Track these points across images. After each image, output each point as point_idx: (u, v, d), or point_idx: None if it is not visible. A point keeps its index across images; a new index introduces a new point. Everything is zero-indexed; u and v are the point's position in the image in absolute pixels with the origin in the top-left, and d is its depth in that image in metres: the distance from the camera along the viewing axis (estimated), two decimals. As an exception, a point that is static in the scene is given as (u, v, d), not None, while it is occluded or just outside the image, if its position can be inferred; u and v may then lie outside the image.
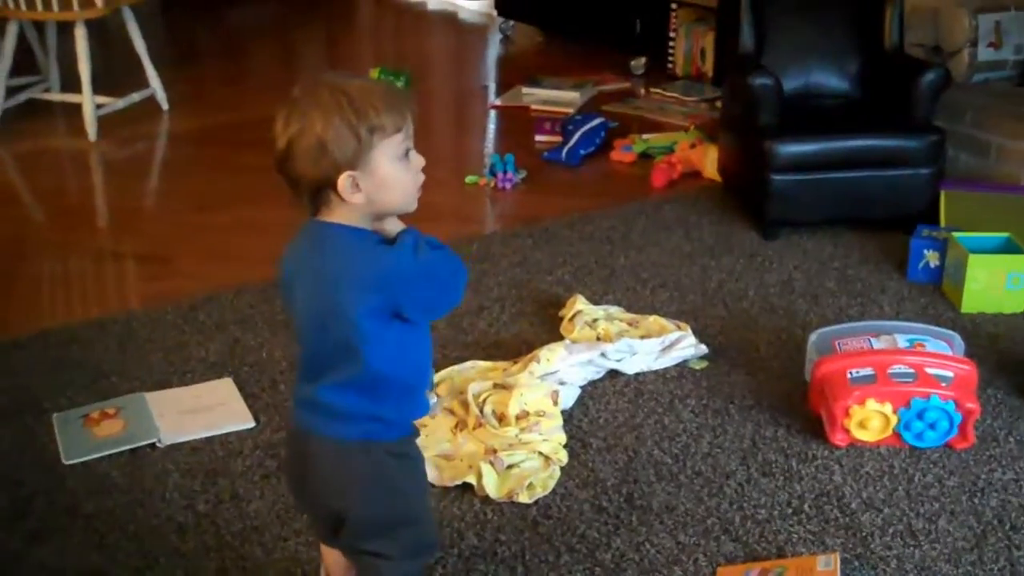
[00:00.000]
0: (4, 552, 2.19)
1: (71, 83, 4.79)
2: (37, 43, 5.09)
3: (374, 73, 5.44)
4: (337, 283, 1.63)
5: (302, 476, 1.78)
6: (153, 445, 2.53)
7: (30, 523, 2.27)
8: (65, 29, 4.77)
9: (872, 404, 2.49)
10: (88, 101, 4.56)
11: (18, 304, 3.24)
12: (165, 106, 4.97)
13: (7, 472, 2.43)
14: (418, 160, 1.67)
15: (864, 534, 2.26)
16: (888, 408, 2.49)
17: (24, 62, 4.96)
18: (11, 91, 4.74)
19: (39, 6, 4.46)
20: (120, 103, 4.74)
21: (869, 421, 2.51)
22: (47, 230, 3.84)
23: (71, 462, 2.46)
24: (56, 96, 4.89)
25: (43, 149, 4.58)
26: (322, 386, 1.69)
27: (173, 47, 6.38)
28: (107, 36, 5.62)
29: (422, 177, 1.69)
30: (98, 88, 4.60)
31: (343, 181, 1.60)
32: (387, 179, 1.63)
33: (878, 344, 2.67)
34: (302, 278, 1.68)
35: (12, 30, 4.57)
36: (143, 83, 4.90)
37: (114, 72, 5.12)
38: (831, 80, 3.93)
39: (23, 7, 4.48)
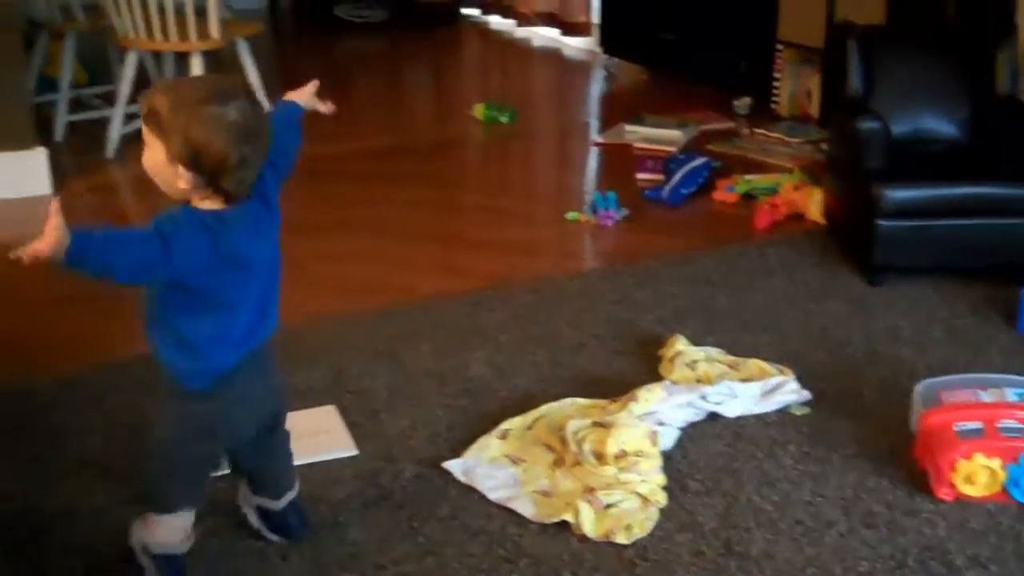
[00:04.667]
0: (114, 570, 2.24)
1: (186, 111, 4.91)
2: (155, 72, 5.26)
3: (479, 108, 5.52)
4: None
5: None
6: (257, 469, 2.57)
7: (138, 541, 2.33)
8: (182, 59, 4.92)
9: (979, 458, 2.44)
10: (202, 129, 4.67)
11: (124, 326, 3.30)
12: (274, 135, 5.08)
13: (117, 491, 2.49)
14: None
15: (969, 592, 2.21)
16: (996, 463, 2.44)
17: (142, 89, 5.10)
18: (130, 117, 4.89)
19: (158, 36, 4.61)
20: (232, 132, 4.86)
21: (976, 476, 2.46)
22: (159, 254, 3.94)
23: (178, 482, 2.52)
24: (171, 123, 5.02)
25: (157, 175, 4.71)
26: None
27: (284, 78, 6.53)
28: (221, 66, 5.77)
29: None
30: (211, 117, 4.72)
31: None
32: None
33: (986, 397, 2.61)
34: None
35: (132, 59, 4.73)
36: (255, 113, 5.01)
37: (227, 101, 5.24)
38: (940, 125, 3.88)
39: (143, 37, 4.63)
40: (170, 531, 2.15)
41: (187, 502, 2.15)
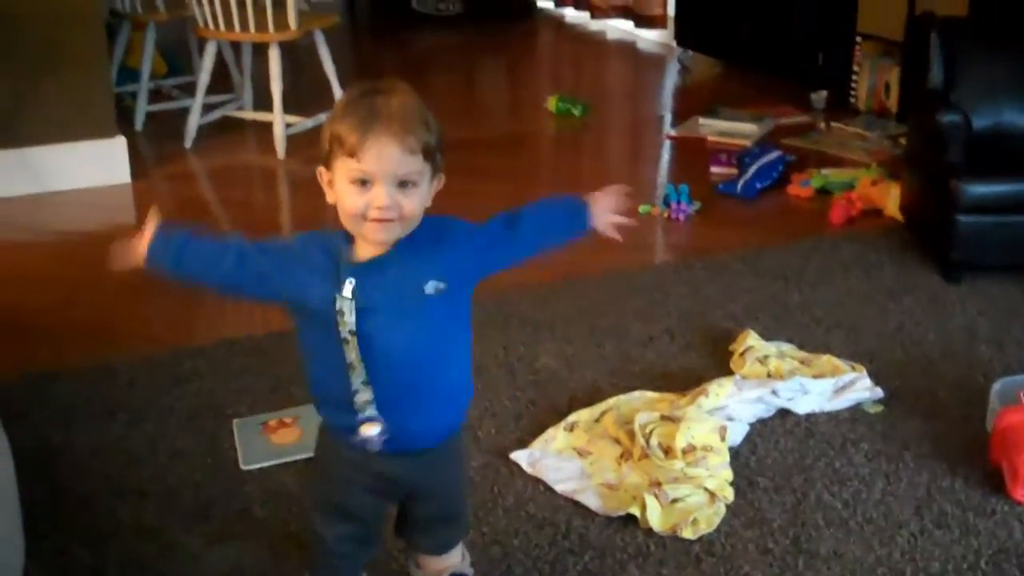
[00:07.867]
0: (185, 552, 2.28)
1: (263, 102, 4.99)
2: (233, 63, 5.33)
3: (552, 101, 5.51)
4: None
5: None
6: (326, 456, 2.59)
7: (209, 525, 2.36)
8: (259, 50, 4.98)
9: (1058, 460, 2.39)
10: (279, 120, 4.74)
11: (205, 313, 3.39)
12: (349, 127, 5.11)
13: (190, 473, 2.54)
14: (375, 197, 1.64)
15: (1045, 596, 2.16)
16: (1076, 465, 2.38)
17: (220, 81, 5.19)
18: (207, 108, 4.97)
19: (237, 27, 4.68)
20: (308, 123, 4.90)
21: (1054, 478, 2.40)
22: (235, 242, 4.00)
23: (248, 467, 2.56)
24: (248, 114, 5.10)
25: (235, 164, 4.79)
26: None
27: (359, 70, 6.59)
28: (298, 57, 5.83)
29: (375, 214, 1.64)
30: (288, 107, 4.78)
31: (318, 171, 1.72)
32: (338, 194, 1.69)
33: (1067, 397, 2.56)
34: None
35: (211, 50, 4.80)
36: (330, 104, 5.05)
37: (303, 92, 5.31)
38: (1023, 119, 3.79)
39: (222, 28, 4.69)
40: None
41: None
